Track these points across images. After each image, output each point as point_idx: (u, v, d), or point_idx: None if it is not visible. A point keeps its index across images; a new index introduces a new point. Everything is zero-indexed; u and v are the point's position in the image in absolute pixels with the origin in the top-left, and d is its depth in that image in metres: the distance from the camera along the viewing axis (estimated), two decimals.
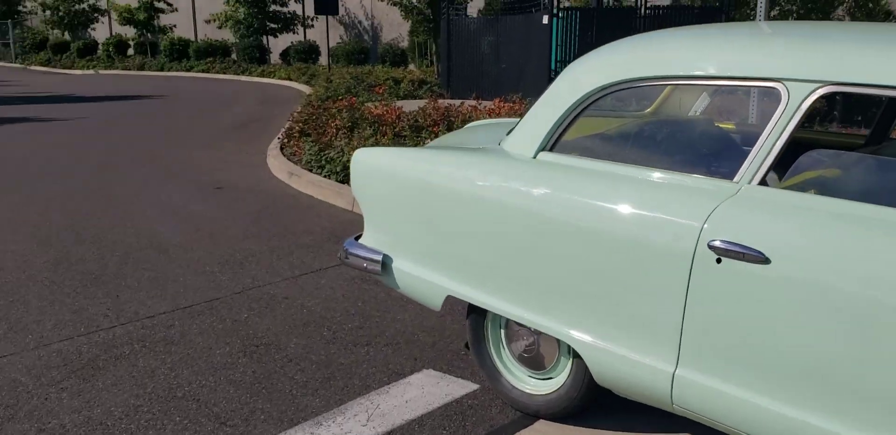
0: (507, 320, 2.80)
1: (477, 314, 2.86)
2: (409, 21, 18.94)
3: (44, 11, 29.12)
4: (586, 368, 2.46)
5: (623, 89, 2.57)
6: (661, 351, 2.21)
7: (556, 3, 12.11)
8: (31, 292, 4.20)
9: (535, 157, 2.67)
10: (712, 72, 2.34)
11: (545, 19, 12.14)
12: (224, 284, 4.32)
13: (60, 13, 28.37)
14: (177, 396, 2.96)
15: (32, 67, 27.72)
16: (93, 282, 4.37)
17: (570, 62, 12.03)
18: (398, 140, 7.22)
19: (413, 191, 2.89)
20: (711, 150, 2.75)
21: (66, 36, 29.84)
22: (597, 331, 2.35)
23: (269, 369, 3.19)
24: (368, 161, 3.11)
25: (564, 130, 2.66)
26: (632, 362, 2.27)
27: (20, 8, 32.24)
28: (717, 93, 3.77)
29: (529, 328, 2.69)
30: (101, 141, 10.11)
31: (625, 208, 2.29)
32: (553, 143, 2.66)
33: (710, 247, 2.08)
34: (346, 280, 4.33)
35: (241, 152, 9.08)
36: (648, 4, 13.17)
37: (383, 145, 6.93)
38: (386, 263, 3.01)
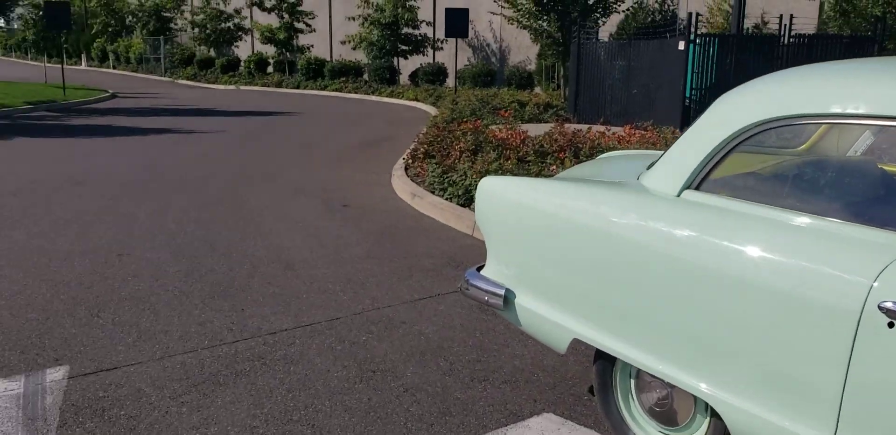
0: (639, 370, 2.63)
1: (605, 360, 2.69)
2: (538, 44, 18.93)
3: (193, 29, 31.00)
4: (726, 429, 2.25)
5: (780, 126, 2.37)
6: (817, 418, 1.99)
7: (693, 29, 11.74)
8: (161, 301, 4.35)
9: (678, 196, 2.50)
10: (886, 112, 2.11)
11: (681, 45, 11.78)
12: (345, 303, 4.33)
13: (208, 31, 30.11)
14: (292, 420, 2.95)
15: (179, 81, 29.52)
16: (220, 294, 4.48)
17: (706, 90, 11.63)
18: (522, 165, 7.13)
19: (541, 225, 2.78)
20: (879, 197, 2.49)
21: (212, 53, 31.64)
22: (741, 390, 2.15)
23: (385, 398, 3.13)
24: (495, 190, 3.02)
25: (713, 168, 2.48)
26: (781, 429, 2.05)
27: (172, 25, 34.45)
28: (880, 132, 3.47)
29: (663, 380, 2.51)
30: (238, 154, 10.55)
31: (780, 258, 2.08)
32: (700, 181, 2.48)
33: (881, 308, 1.86)
34: (464, 308, 4.25)
35: (368, 171, 9.24)
36: (792, 32, 12.55)
37: (507, 170, 6.86)
38: (508, 298, 2.90)
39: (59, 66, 23.14)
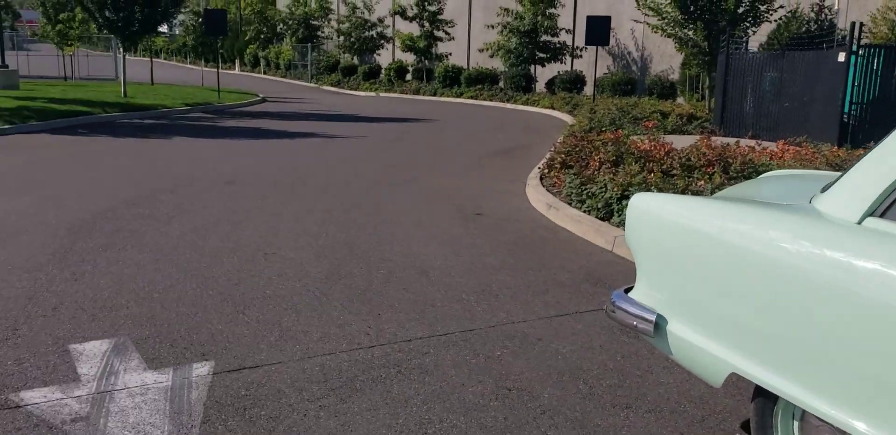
0: (804, 411, 2.40)
1: (766, 398, 2.48)
2: (683, 53, 18.31)
3: (338, 37, 32.16)
4: None
5: None
6: None
7: (856, 39, 10.96)
8: (303, 301, 4.45)
9: (859, 223, 2.27)
10: None
11: (841, 57, 11.03)
12: (479, 315, 4.28)
13: (352, 39, 31.16)
14: (427, 434, 2.91)
15: (324, 87, 30.64)
16: (358, 297, 4.54)
17: (867, 105, 10.82)
18: (667, 179, 6.85)
19: (701, 247, 2.60)
20: None
21: (355, 60, 32.67)
22: None
23: (521, 419, 3.03)
24: (649, 208, 2.86)
25: None
26: None
27: (319, 33, 35.87)
28: None
29: (833, 425, 2.28)
30: (377, 159, 10.78)
31: None
32: (886, 207, 2.24)
33: None
34: (603, 328, 4.09)
35: (502, 179, 9.18)
36: None
37: (651, 184, 6.60)
38: (660, 324, 2.73)
39: (215, 70, 24.56)
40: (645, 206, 2.88)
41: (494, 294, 4.66)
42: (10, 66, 21.89)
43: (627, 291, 2.95)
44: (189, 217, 6.66)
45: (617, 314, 2.88)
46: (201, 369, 3.46)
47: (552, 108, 20.21)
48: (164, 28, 24.95)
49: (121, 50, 20.80)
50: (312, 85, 31.86)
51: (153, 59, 29.36)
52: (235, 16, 41.89)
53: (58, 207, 6.90)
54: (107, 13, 18.63)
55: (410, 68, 28.92)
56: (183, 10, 28.37)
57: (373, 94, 27.25)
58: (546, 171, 8.68)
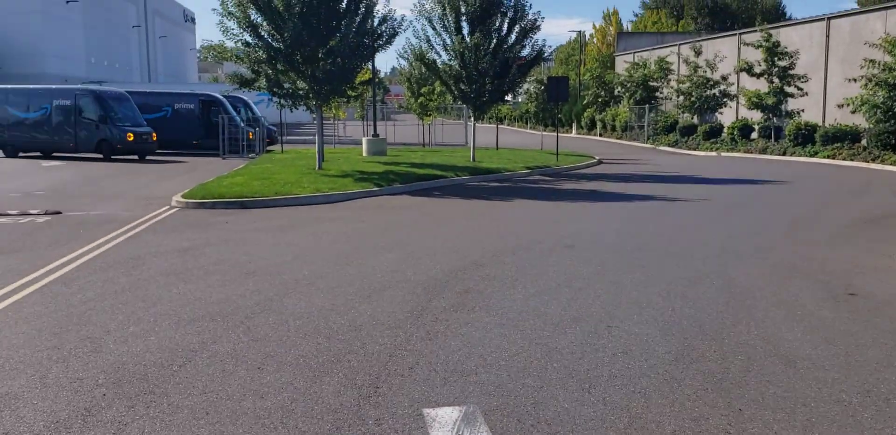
0: None
1: None
2: None
3: (678, 96, 31.55)
4: None
5: None
6: None
7: None
8: (651, 385, 4.13)
9: None
10: None
11: None
12: (866, 423, 3.58)
13: (692, 98, 30.36)
14: None
15: (660, 148, 30.15)
16: (714, 387, 4.09)
17: None
18: None
19: None
20: None
21: (694, 119, 31.74)
22: None
23: None
24: None
25: None
26: None
27: (657, 94, 35.58)
28: None
29: None
30: (721, 225, 10.09)
31: None
32: None
33: None
34: None
35: (875, 252, 7.98)
36: None
37: None
38: None
39: (554, 133, 25.47)
40: None
41: (884, 397, 3.90)
42: (380, 134, 24.87)
43: None
44: (531, 280, 6.72)
45: None
46: None
47: None
48: (508, 96, 26.62)
49: (471, 118, 22.52)
50: (648, 146, 31.54)
51: (498, 126, 31.41)
52: (574, 81, 43.36)
53: (415, 265, 7.41)
54: (461, 86, 20.34)
55: (756, 126, 27.26)
56: (528, 79, 30.03)
57: (713, 153, 26.13)
58: None
